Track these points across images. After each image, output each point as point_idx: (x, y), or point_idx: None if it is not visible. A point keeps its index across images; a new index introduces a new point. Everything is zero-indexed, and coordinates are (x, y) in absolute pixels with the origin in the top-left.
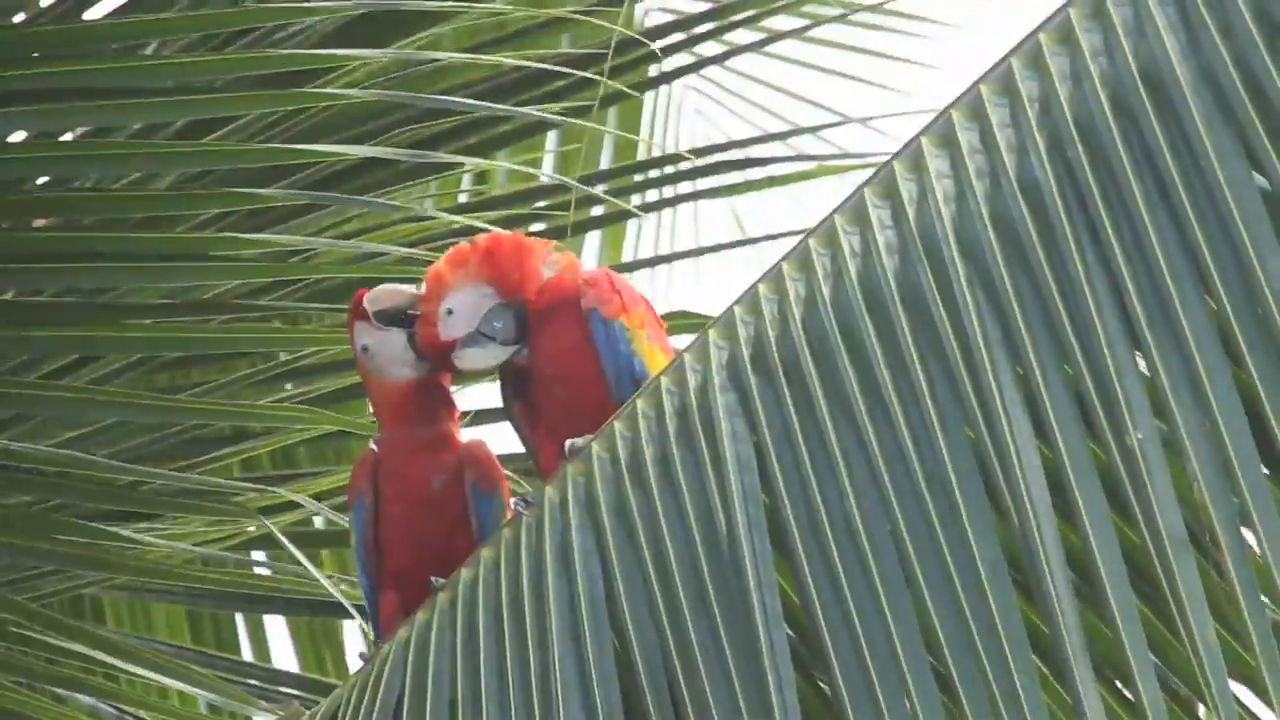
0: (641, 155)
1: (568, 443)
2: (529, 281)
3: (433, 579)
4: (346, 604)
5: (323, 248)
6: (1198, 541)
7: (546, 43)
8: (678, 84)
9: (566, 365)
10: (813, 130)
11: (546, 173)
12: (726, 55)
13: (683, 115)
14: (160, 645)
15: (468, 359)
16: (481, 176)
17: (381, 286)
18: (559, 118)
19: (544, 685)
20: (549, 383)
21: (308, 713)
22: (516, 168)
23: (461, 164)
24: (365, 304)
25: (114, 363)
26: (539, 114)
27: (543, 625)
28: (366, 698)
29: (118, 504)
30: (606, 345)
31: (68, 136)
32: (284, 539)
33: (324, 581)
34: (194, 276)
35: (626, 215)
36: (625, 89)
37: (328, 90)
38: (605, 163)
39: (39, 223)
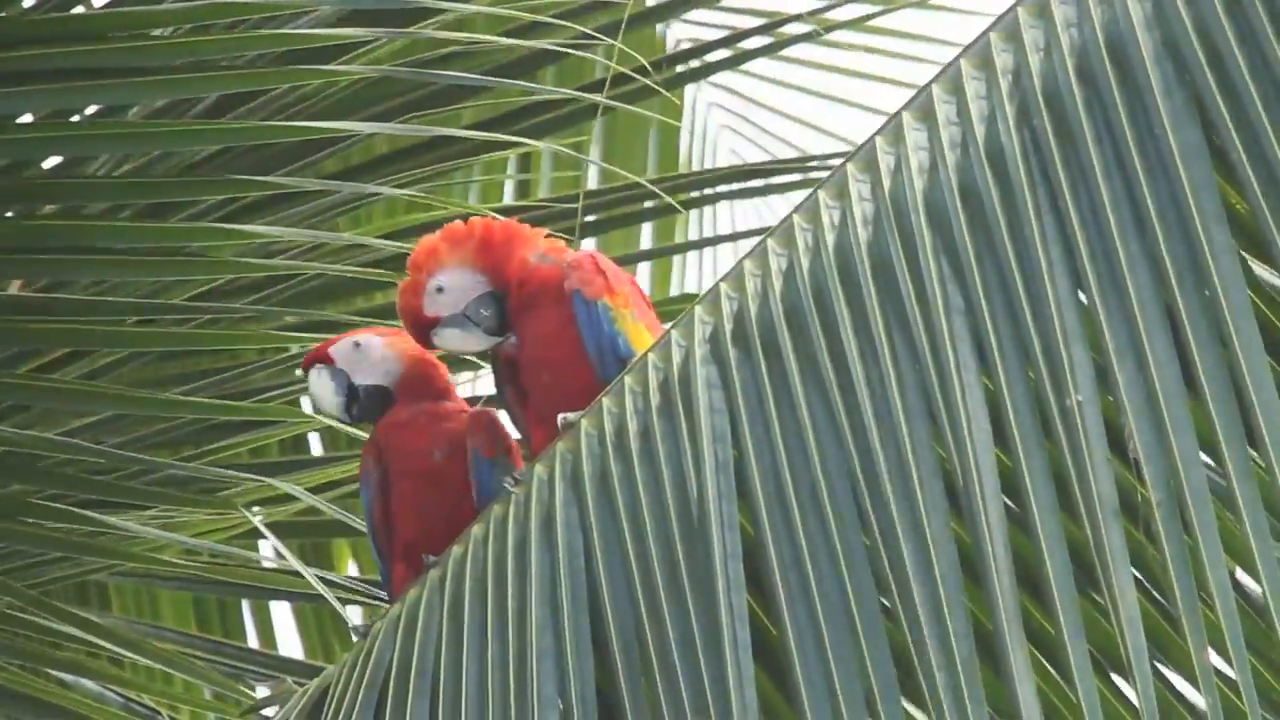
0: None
1: (560, 417)
2: (516, 272)
3: (425, 556)
4: (325, 592)
5: (307, 239)
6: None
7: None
8: (702, 103)
9: (552, 348)
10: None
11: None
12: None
13: (709, 132)
14: (166, 632)
15: (447, 339)
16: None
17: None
18: (613, 102)
19: (520, 653)
20: (536, 367)
21: (299, 689)
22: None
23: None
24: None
25: (115, 352)
26: (587, 97)
27: (523, 596)
28: (356, 673)
29: (102, 494)
30: (589, 325)
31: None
32: (266, 530)
33: (304, 570)
34: (186, 271)
35: (672, 211)
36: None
37: (353, 68)
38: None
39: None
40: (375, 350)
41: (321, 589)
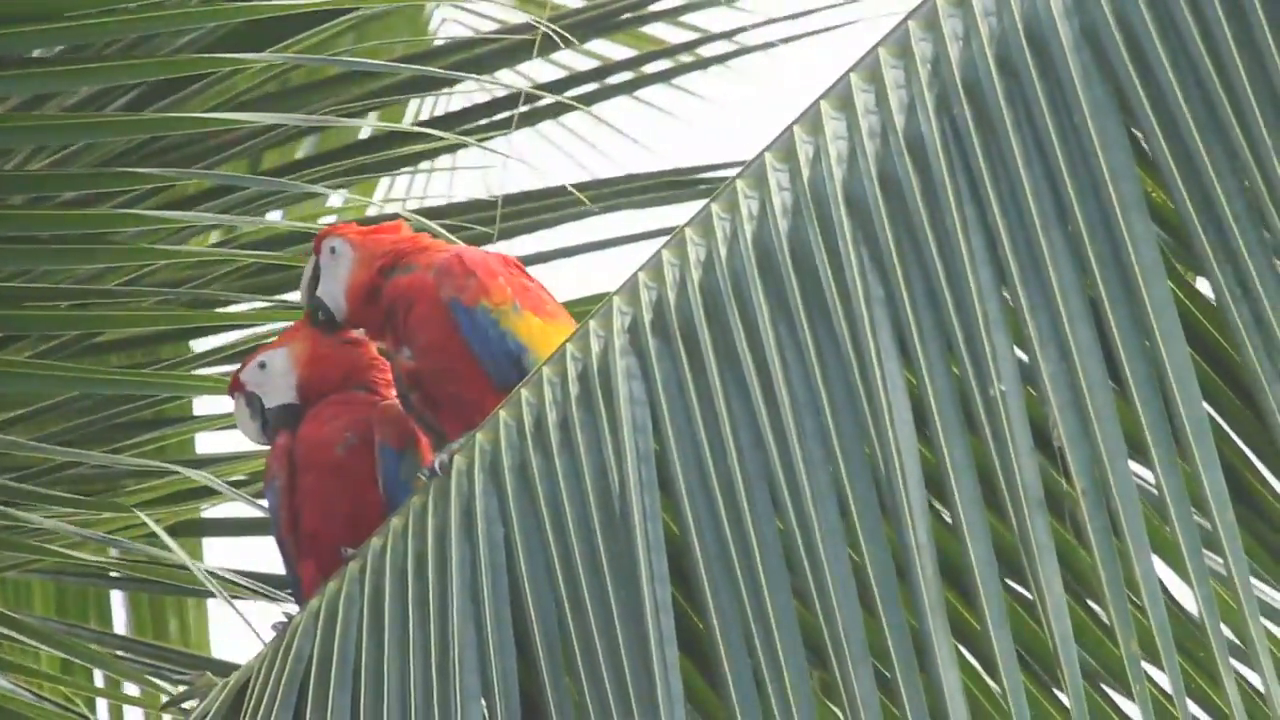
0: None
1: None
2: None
3: (343, 549)
4: (219, 588)
5: (216, 223)
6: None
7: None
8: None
9: (445, 359)
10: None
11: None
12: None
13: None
14: (81, 629)
15: (301, 285)
16: None
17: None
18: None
19: (442, 645)
20: (438, 379)
21: (220, 681)
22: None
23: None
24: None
25: (28, 348)
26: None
27: (444, 587)
28: (276, 666)
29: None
30: (474, 334)
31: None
32: (159, 529)
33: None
34: (115, 258)
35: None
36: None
37: (263, 55)
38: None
39: None
40: (278, 366)
41: (243, 587)
